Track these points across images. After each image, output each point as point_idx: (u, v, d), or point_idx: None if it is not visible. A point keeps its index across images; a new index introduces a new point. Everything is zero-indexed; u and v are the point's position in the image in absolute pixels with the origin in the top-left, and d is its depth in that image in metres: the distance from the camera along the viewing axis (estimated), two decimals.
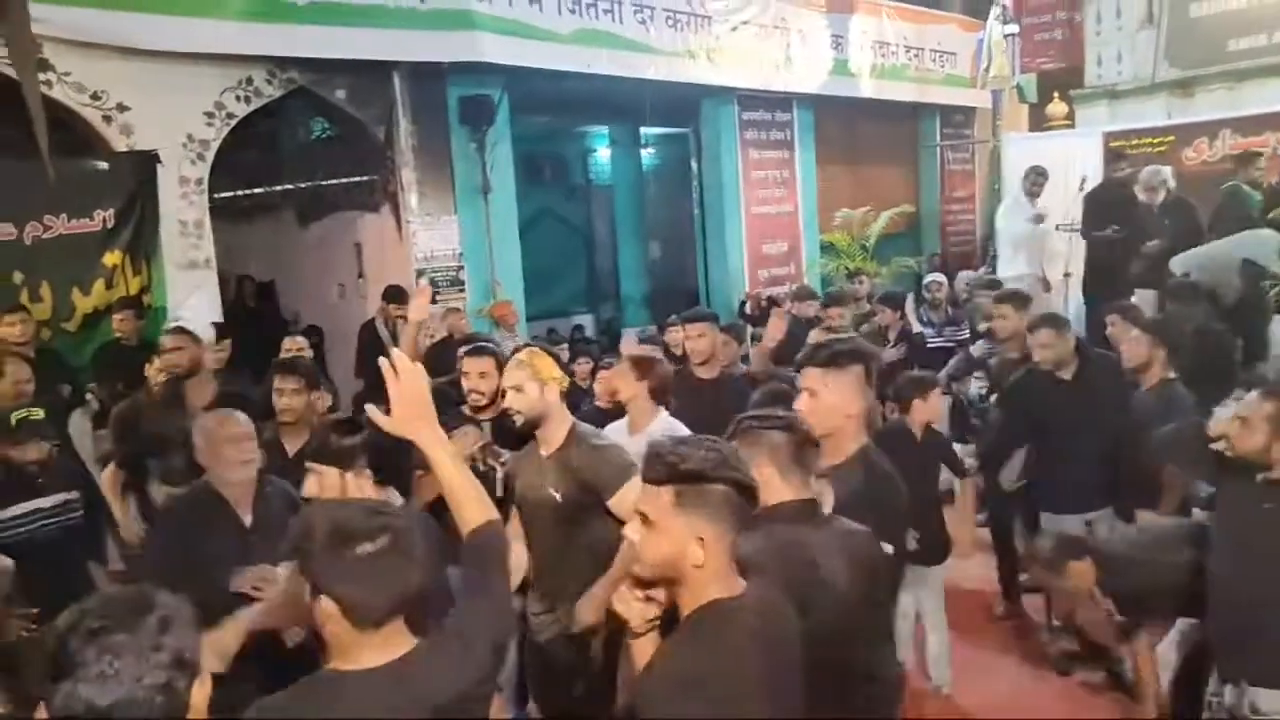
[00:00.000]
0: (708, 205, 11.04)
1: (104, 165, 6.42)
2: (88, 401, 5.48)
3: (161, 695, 1.40)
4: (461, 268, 8.25)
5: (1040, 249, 8.93)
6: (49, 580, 3.44)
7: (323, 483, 2.66)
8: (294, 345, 5.74)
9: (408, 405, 1.99)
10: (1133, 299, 6.32)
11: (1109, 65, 12.13)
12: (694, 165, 11.18)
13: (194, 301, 6.62)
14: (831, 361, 2.68)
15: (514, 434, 3.29)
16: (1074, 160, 9.53)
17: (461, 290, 8.21)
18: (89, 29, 6.07)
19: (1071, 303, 8.40)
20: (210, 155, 6.85)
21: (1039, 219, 8.81)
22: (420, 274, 7.88)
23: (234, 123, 6.96)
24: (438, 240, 8.12)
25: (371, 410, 2.06)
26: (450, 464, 2.03)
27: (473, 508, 2.03)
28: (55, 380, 5.35)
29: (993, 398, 5.45)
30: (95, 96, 6.28)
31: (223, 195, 7.47)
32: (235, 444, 3.09)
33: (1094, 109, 12.09)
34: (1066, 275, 8.52)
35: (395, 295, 7.19)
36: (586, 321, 13.00)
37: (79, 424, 5.26)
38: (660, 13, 9.21)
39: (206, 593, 2.49)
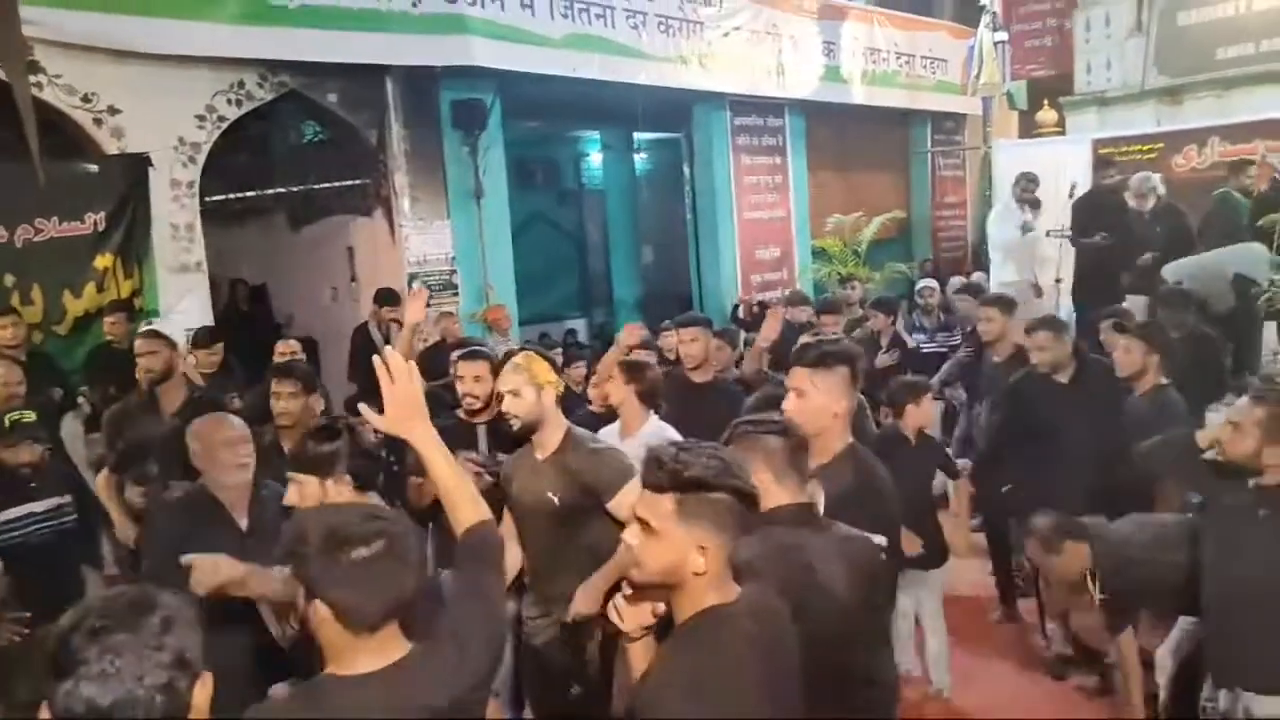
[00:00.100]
0: (700, 210, 11.07)
1: (95, 168, 6.40)
2: (79, 405, 5.46)
3: (162, 695, 1.39)
4: (454, 272, 8.25)
5: (1031, 255, 8.97)
6: (42, 584, 3.44)
7: (302, 491, 2.65)
8: (287, 349, 5.73)
9: (401, 405, 1.99)
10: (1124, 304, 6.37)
11: (1098, 73, 12.20)
12: (686, 170, 11.21)
13: (185, 305, 6.60)
14: (819, 362, 2.70)
15: (510, 437, 3.30)
16: (1064, 167, 9.57)
17: (454, 294, 8.21)
18: (80, 31, 6.05)
19: (1062, 309, 8.43)
20: (202, 158, 6.83)
21: (1028, 227, 8.85)
22: (413, 278, 7.87)
23: (225, 126, 6.95)
24: (430, 244, 8.12)
25: (365, 410, 2.06)
26: (444, 464, 2.04)
27: (467, 507, 2.03)
28: (46, 383, 5.33)
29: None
30: (86, 99, 6.26)
31: (214, 198, 7.45)
32: (231, 447, 3.08)
33: (1084, 116, 12.18)
34: (1058, 281, 8.56)
35: (387, 298, 7.19)
36: (579, 326, 13.00)
37: (71, 427, 5.25)
38: (652, 18, 9.24)
39: (202, 596, 2.50)
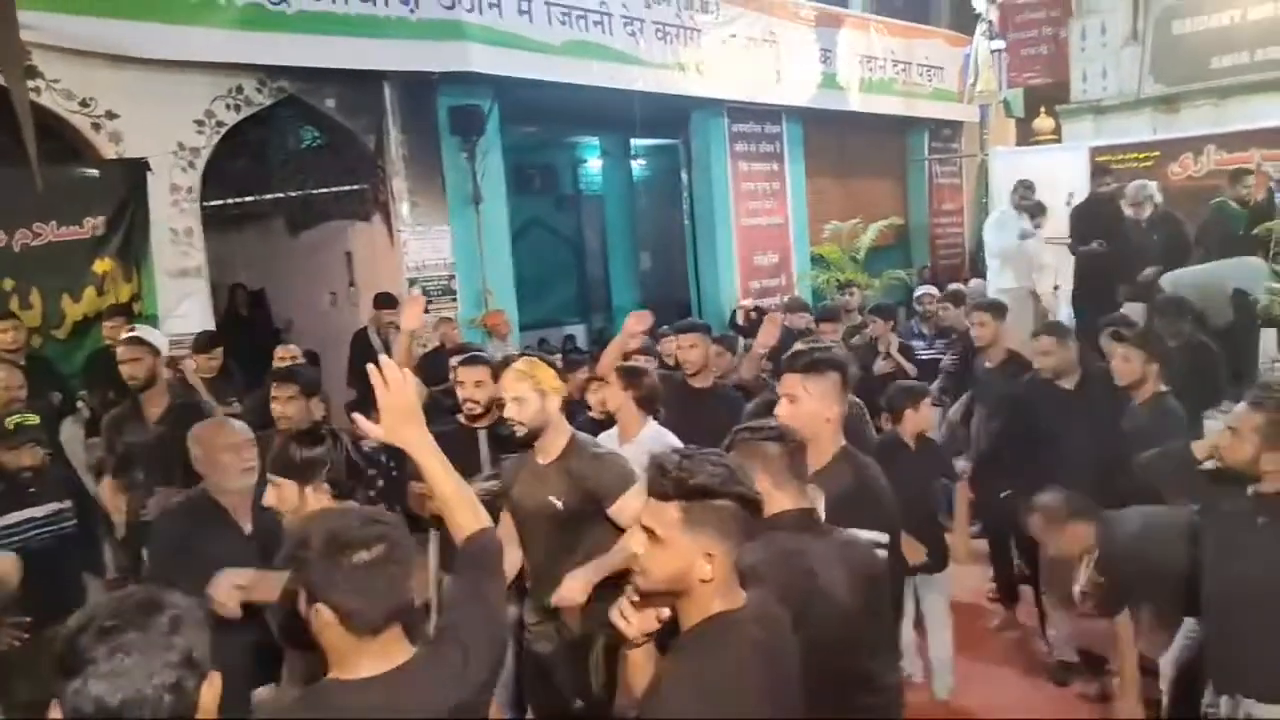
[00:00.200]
0: (698, 216, 11.08)
1: (94, 173, 6.41)
2: (79, 409, 5.45)
3: (171, 694, 1.40)
4: (453, 277, 8.25)
5: (1028, 262, 9.00)
6: (43, 590, 3.43)
7: (281, 495, 2.63)
8: (286, 354, 5.73)
9: (396, 412, 1.98)
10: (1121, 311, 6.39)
11: (1094, 81, 12.24)
12: (684, 176, 11.23)
13: (185, 309, 6.61)
14: (811, 368, 2.75)
15: (512, 443, 3.29)
16: (1060, 175, 9.62)
17: (453, 300, 8.21)
18: (78, 36, 6.07)
19: (1061, 315, 8.46)
20: (201, 163, 6.85)
21: (1025, 234, 8.87)
22: (412, 283, 7.89)
23: (224, 131, 6.96)
24: (429, 250, 8.12)
25: (360, 419, 2.06)
26: (442, 471, 2.02)
27: (466, 514, 2.03)
28: (46, 388, 5.32)
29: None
30: (84, 104, 6.27)
31: (213, 203, 7.45)
32: (234, 452, 3.08)
33: (1080, 124, 12.20)
34: (1056, 288, 8.58)
35: (386, 301, 7.19)
36: (578, 331, 13.02)
37: (71, 432, 5.23)
38: (650, 25, 9.27)
39: (205, 601, 2.50)
